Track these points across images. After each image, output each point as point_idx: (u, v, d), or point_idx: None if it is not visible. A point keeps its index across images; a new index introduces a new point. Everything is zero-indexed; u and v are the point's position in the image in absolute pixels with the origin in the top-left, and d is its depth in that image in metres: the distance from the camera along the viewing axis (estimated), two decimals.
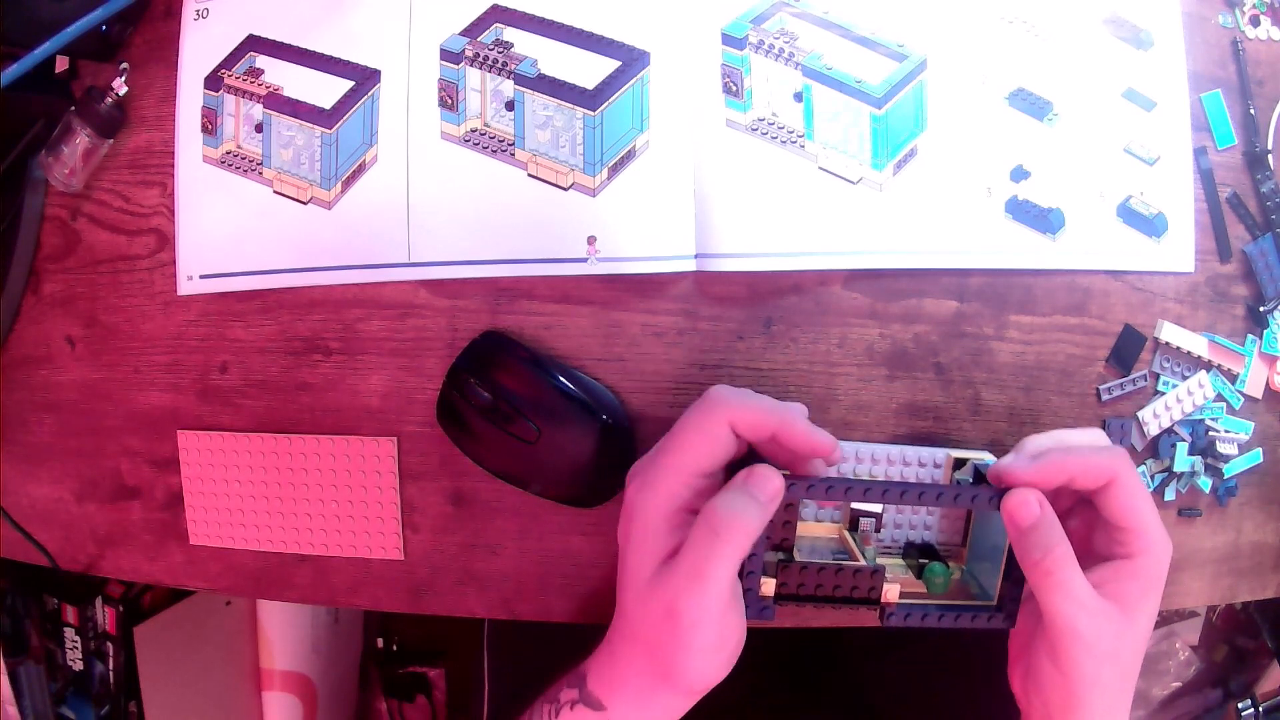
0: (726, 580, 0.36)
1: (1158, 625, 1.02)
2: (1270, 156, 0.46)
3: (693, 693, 0.38)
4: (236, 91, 0.49)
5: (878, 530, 0.44)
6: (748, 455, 0.39)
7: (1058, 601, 0.36)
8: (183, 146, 0.49)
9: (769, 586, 0.39)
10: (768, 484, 0.36)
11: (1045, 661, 0.38)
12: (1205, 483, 0.47)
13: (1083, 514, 0.39)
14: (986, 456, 0.42)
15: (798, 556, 0.40)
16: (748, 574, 0.39)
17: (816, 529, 0.44)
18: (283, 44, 0.48)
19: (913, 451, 0.44)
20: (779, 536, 0.40)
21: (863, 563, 0.40)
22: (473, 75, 0.46)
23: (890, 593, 0.39)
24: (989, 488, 0.38)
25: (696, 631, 0.35)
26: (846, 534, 0.43)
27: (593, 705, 0.39)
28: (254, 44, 0.49)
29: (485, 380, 0.44)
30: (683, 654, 0.36)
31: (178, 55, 0.50)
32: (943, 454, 0.43)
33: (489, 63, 0.46)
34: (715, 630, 0.36)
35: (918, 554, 0.43)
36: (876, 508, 0.43)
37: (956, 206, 0.44)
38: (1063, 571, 0.36)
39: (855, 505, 0.43)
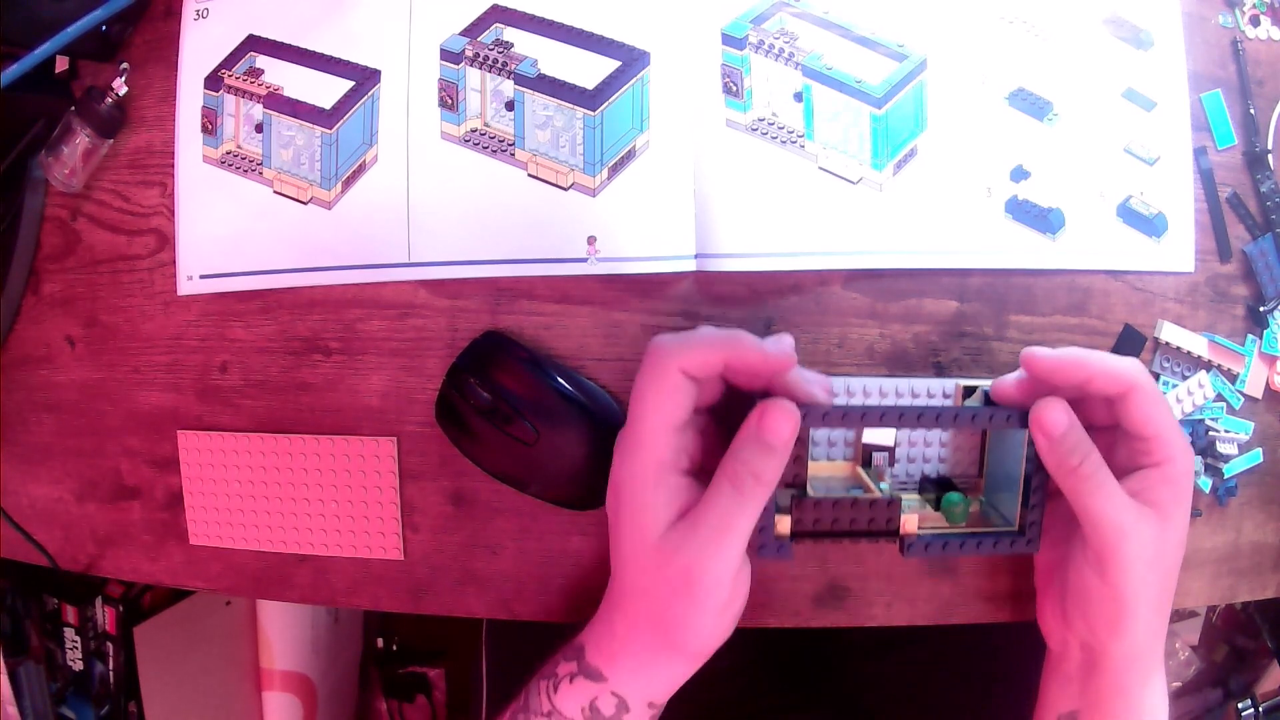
0: (747, 535, 0.36)
1: None
2: (1270, 156, 0.46)
3: (696, 657, 0.38)
4: (236, 91, 0.49)
5: (891, 465, 0.43)
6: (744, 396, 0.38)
7: (1100, 504, 0.36)
8: (183, 146, 0.49)
9: (784, 524, 0.38)
10: (782, 426, 0.35)
11: (1090, 576, 0.37)
12: (1205, 483, 0.47)
13: (1100, 436, 0.39)
14: None
15: (811, 493, 0.39)
16: (761, 513, 0.37)
17: (829, 468, 0.43)
18: (283, 44, 0.48)
19: (921, 383, 0.43)
20: (791, 474, 0.38)
21: (878, 494, 0.39)
22: (473, 75, 0.46)
23: (909, 523, 0.38)
24: (1012, 406, 0.38)
25: (714, 590, 0.36)
26: (860, 470, 0.43)
27: (593, 676, 0.39)
28: (254, 44, 0.49)
29: (485, 380, 0.44)
30: (695, 614, 0.36)
31: (178, 55, 0.50)
32: (951, 384, 0.43)
33: (489, 63, 0.46)
34: (728, 588, 0.36)
35: (934, 488, 0.42)
36: (889, 440, 0.42)
37: (956, 206, 0.44)
38: (1100, 474, 0.36)
39: (868, 440, 0.42)
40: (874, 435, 0.43)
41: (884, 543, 0.39)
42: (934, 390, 0.43)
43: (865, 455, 0.43)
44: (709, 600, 0.36)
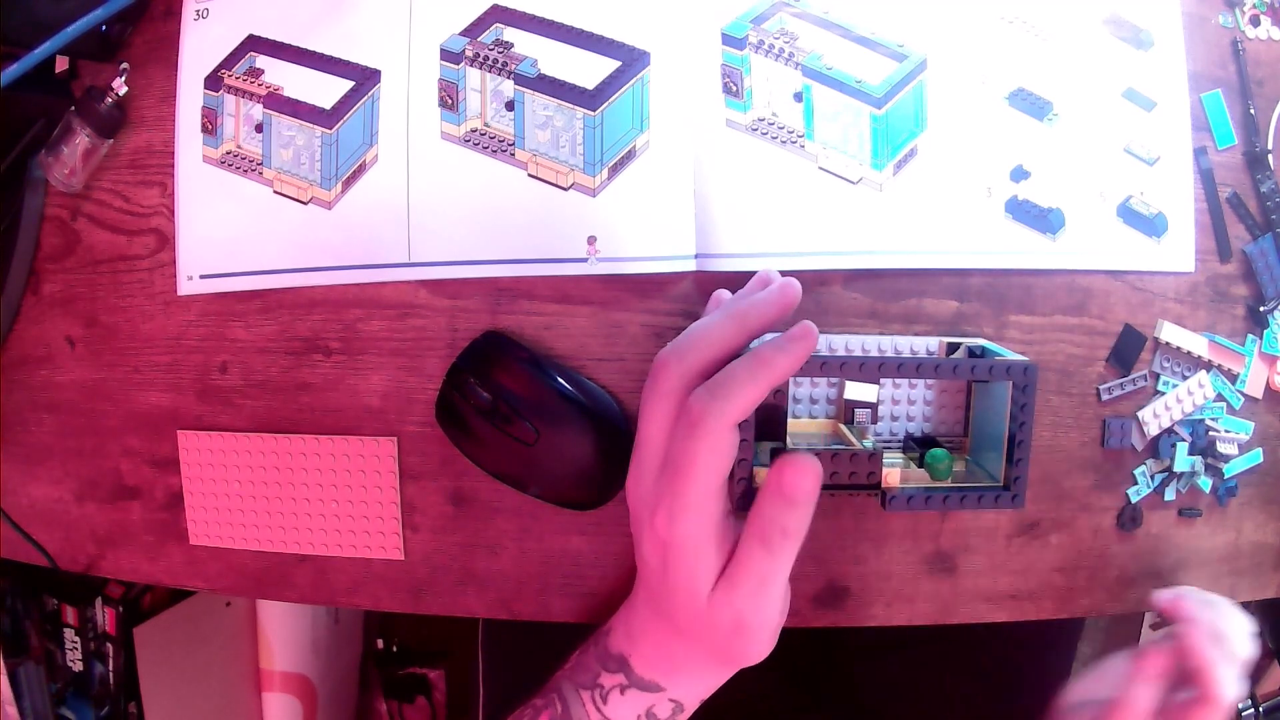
0: (785, 578, 0.37)
1: (1158, 625, 1.01)
2: (1270, 156, 0.46)
3: (752, 664, 0.40)
4: (236, 91, 0.49)
5: (874, 422, 0.42)
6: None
7: None
8: (183, 146, 0.49)
9: (763, 478, 0.37)
10: (803, 482, 0.35)
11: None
12: (1205, 483, 0.47)
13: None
14: (981, 340, 0.42)
15: (792, 446, 0.38)
16: (739, 474, 0.37)
17: (809, 425, 0.43)
18: (283, 44, 0.48)
19: (904, 341, 0.43)
20: (770, 429, 0.38)
21: (859, 446, 0.38)
22: (473, 75, 0.46)
23: (891, 476, 0.38)
24: (1019, 360, 0.38)
25: (765, 627, 0.38)
26: (842, 427, 0.42)
27: (647, 688, 0.40)
28: (254, 44, 0.49)
29: (485, 380, 0.44)
30: (751, 646, 0.39)
31: (178, 55, 0.50)
32: (935, 341, 0.43)
33: (489, 63, 0.46)
34: (778, 621, 0.39)
35: (919, 446, 0.41)
36: (872, 396, 0.41)
37: (956, 206, 0.44)
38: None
39: (850, 397, 0.42)
40: (856, 391, 0.41)
41: (866, 496, 0.39)
42: (917, 348, 0.43)
43: (848, 412, 0.42)
44: (763, 635, 0.38)
